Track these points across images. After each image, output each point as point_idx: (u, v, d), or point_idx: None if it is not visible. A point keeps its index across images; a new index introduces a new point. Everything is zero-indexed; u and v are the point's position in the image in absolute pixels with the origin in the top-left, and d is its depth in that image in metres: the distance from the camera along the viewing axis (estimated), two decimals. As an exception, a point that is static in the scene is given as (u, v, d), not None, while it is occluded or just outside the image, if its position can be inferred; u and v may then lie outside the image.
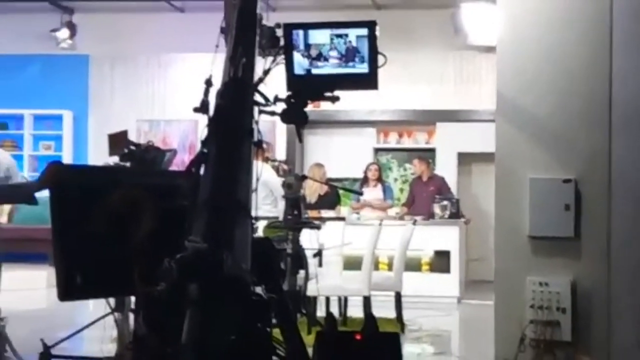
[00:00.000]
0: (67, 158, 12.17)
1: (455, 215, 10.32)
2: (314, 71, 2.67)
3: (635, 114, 4.13)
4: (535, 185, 4.18)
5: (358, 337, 2.45)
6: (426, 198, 10.62)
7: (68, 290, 2.58)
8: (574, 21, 4.21)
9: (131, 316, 4.10)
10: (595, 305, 4.13)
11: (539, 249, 4.20)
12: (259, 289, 2.05)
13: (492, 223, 4.43)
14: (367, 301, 7.12)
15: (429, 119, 12.01)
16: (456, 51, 11.31)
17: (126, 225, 2.48)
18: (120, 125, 6.79)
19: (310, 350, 2.34)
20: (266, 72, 2.56)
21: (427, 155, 11.73)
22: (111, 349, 4.61)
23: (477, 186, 12.24)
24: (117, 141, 5.23)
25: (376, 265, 8.81)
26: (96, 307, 4.93)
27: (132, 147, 4.99)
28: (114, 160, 5.08)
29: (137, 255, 2.38)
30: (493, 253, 4.32)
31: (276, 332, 2.12)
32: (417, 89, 11.67)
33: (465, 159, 12.12)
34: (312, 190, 10.00)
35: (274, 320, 2.06)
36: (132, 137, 5.94)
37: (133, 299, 3.28)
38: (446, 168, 11.70)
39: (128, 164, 4.84)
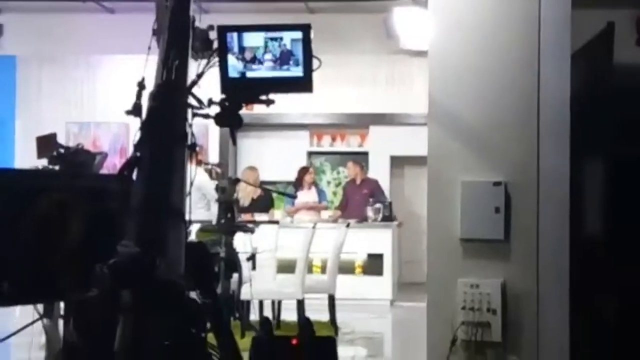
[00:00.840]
0: (-7, 161, 11.85)
1: (388, 218, 10.42)
2: (249, 74, 2.65)
3: (561, 119, 4.23)
4: (467, 188, 4.24)
5: (294, 341, 2.45)
6: (360, 201, 10.70)
7: (-5, 297, 2.51)
8: (504, 28, 4.29)
9: (60, 322, 4.02)
10: (525, 306, 4.21)
11: (470, 251, 4.26)
12: (192, 294, 2.03)
13: (424, 226, 4.48)
14: (300, 304, 7.13)
15: (362, 122, 12.11)
16: (389, 55, 11.42)
17: (54, 229, 2.42)
18: (48, 128, 6.64)
19: (245, 355, 2.33)
20: (200, 75, 2.54)
21: (360, 158, 11.82)
22: (40, 356, 4.52)
23: (409, 189, 12.39)
24: (46, 144, 5.12)
25: (310, 269, 8.83)
26: (23, 313, 4.81)
27: (61, 150, 4.90)
28: (42, 163, 4.98)
29: (66, 260, 2.34)
30: (425, 255, 4.37)
31: (210, 337, 2.10)
32: (350, 93, 11.75)
33: (398, 162, 12.26)
34: (245, 194, 9.97)
35: (208, 325, 2.04)
36: (62, 139, 5.82)
37: (62, 304, 3.21)
38: (379, 171, 11.81)
39: (57, 167, 4.75)
